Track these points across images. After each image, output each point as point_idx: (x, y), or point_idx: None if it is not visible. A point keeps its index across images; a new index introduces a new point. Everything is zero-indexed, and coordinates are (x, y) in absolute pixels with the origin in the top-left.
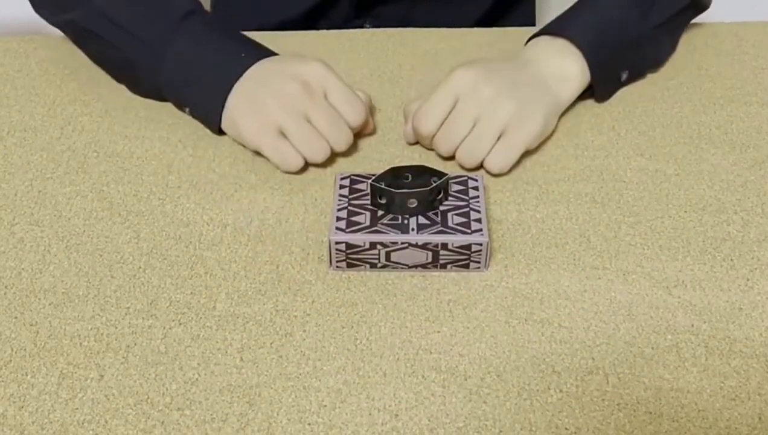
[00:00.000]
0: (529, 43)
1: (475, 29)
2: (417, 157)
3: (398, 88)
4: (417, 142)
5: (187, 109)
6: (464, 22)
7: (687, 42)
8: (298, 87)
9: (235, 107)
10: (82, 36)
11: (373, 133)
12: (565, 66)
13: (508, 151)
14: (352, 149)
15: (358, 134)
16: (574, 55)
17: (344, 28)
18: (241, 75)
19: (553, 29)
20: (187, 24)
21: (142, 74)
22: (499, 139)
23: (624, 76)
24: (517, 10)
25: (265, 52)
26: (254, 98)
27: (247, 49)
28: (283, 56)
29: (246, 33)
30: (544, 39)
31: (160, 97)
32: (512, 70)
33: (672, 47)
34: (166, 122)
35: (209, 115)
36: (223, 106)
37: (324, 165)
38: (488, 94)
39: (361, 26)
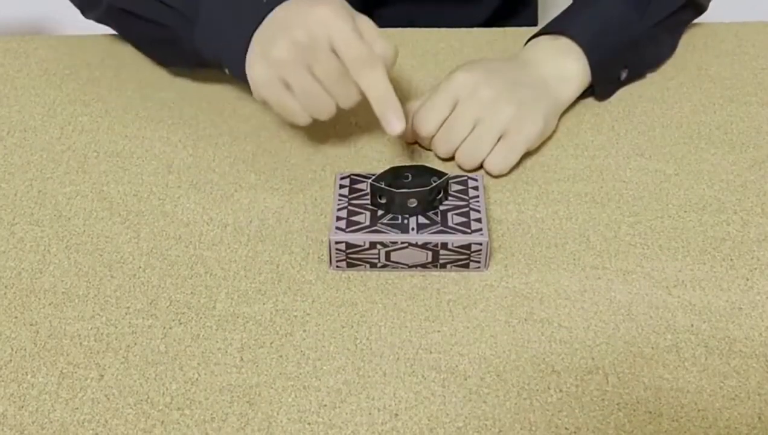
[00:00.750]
0: (529, 43)
1: (475, 29)
2: (417, 157)
3: (398, 88)
4: (416, 142)
5: (227, 70)
6: (470, 23)
7: (687, 42)
8: (303, 37)
9: (249, 58)
10: (120, 20)
11: (394, 60)
12: (565, 66)
13: (508, 153)
14: (351, 148)
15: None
16: (575, 55)
17: None
18: (260, 22)
19: (553, 29)
20: None
21: (182, 42)
22: (499, 140)
23: (623, 75)
24: (521, 13)
25: None
26: (264, 49)
27: None
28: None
29: None
30: (545, 39)
31: (204, 63)
32: (512, 71)
33: (671, 48)
34: (166, 122)
35: (238, 67)
36: (245, 56)
37: (324, 165)
38: (488, 96)
39: None
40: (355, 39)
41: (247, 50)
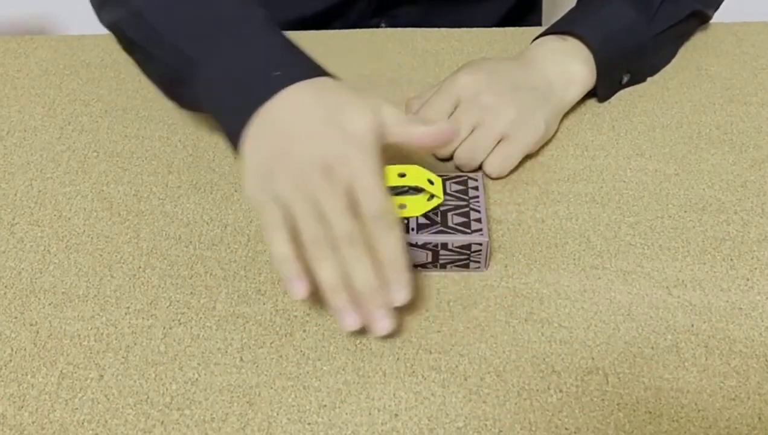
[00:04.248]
0: (536, 42)
1: (475, 29)
2: (416, 158)
3: (398, 88)
4: None
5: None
6: (481, 26)
7: (687, 42)
8: (315, 171)
9: (250, 142)
10: (124, 44)
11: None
12: (571, 67)
13: (507, 156)
14: None
15: None
16: (582, 56)
17: (360, 27)
18: (268, 98)
19: (561, 29)
20: (229, 35)
21: (181, 85)
22: (498, 143)
23: (625, 79)
24: (527, 19)
25: (306, 69)
26: (268, 155)
27: (286, 62)
28: (324, 88)
29: None
30: (552, 39)
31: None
32: (516, 72)
33: (672, 55)
34: (166, 122)
35: (233, 140)
36: (241, 133)
37: None
38: (489, 100)
39: (377, 26)
40: (380, 192)
41: (248, 123)
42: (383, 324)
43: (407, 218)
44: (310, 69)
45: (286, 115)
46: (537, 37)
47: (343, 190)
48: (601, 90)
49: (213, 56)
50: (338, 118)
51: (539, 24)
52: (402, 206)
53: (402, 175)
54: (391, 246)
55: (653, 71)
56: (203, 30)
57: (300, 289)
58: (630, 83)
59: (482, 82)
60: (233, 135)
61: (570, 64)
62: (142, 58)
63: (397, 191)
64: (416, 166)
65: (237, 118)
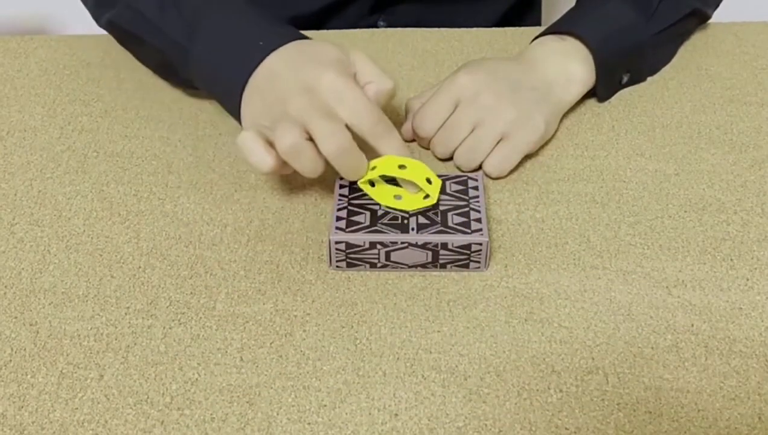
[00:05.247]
0: (535, 41)
1: (475, 29)
2: (416, 157)
3: (398, 88)
4: (414, 140)
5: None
6: (480, 25)
7: (687, 42)
8: (305, 101)
9: (245, 107)
10: (119, 36)
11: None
12: (571, 68)
13: (507, 156)
14: None
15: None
16: (581, 57)
17: (358, 26)
18: (255, 68)
19: (560, 28)
20: (210, 13)
21: (176, 69)
22: (498, 143)
23: (625, 78)
24: (526, 19)
25: (284, 36)
26: (260, 108)
27: (265, 34)
28: (302, 48)
29: None
30: (551, 38)
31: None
32: (516, 73)
33: (672, 55)
34: (166, 122)
35: (233, 109)
36: (239, 106)
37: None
38: (489, 101)
39: (375, 24)
40: (370, 109)
41: (242, 96)
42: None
43: (407, 218)
44: (285, 36)
45: (269, 82)
46: (536, 37)
47: (326, 107)
48: (601, 90)
49: (198, 42)
50: (312, 63)
51: (538, 23)
52: (397, 197)
53: (402, 167)
54: (398, 149)
55: (653, 71)
56: (188, 15)
57: (268, 160)
58: (630, 83)
59: (482, 82)
60: (233, 112)
61: (569, 64)
62: (139, 48)
63: (393, 182)
64: (418, 162)
65: (230, 98)
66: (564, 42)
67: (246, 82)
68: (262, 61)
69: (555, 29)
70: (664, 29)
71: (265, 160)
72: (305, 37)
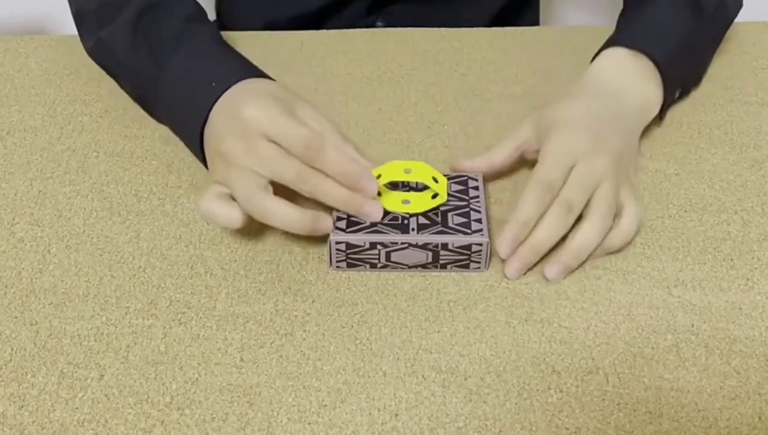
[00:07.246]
0: (608, 57)
1: (475, 29)
2: (417, 157)
3: (398, 88)
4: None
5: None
6: (477, 23)
7: None
8: (239, 149)
9: (207, 150)
10: (101, 67)
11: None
12: (649, 92)
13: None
14: None
15: None
16: (654, 78)
17: (356, 26)
18: (206, 118)
19: (631, 43)
20: (172, 60)
21: (147, 105)
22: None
23: (677, 94)
24: (524, 15)
25: (236, 76)
26: (210, 159)
27: (218, 74)
28: (242, 88)
29: (247, 32)
30: (626, 56)
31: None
32: (610, 125)
33: (710, 62)
34: None
35: (197, 152)
36: (202, 150)
37: None
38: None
39: (373, 24)
40: (291, 126)
41: (202, 147)
42: (371, 208)
43: (408, 219)
44: (233, 74)
45: (210, 132)
46: (606, 46)
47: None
48: (664, 109)
49: (163, 82)
50: (236, 113)
51: (536, 19)
52: (406, 202)
53: (407, 171)
54: (334, 161)
55: (697, 83)
56: (158, 51)
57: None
58: (680, 97)
59: (589, 156)
60: (197, 155)
61: (647, 88)
62: (116, 80)
63: (402, 187)
64: (422, 163)
65: (193, 149)
66: (638, 60)
67: (202, 133)
68: (212, 108)
69: (625, 42)
70: (714, 37)
71: (233, 217)
72: (258, 75)
